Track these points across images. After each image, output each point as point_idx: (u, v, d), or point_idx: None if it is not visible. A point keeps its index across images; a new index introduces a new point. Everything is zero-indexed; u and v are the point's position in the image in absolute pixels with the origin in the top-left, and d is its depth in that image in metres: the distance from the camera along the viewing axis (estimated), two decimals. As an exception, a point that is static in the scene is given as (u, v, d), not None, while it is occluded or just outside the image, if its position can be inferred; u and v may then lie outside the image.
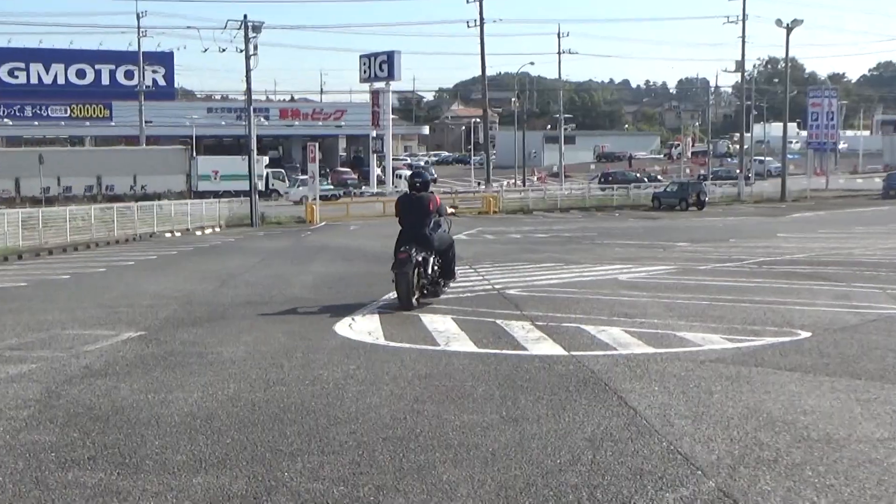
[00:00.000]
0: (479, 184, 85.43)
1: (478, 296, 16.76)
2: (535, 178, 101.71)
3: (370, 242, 35.11)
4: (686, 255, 25.57)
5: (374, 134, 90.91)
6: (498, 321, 13.41)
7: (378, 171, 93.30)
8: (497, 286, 18.21)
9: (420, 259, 15.56)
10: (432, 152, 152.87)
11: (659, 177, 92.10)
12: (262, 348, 11.61)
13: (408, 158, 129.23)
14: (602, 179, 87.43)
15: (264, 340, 12.24)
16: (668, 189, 67.47)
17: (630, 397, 8.54)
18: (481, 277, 19.33)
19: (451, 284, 16.98)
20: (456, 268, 16.88)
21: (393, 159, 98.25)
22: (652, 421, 7.69)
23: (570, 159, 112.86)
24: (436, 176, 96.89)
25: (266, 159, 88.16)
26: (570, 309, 14.68)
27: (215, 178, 76.22)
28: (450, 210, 17.10)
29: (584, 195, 73.44)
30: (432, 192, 16.57)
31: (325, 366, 10.31)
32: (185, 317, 14.93)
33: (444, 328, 12.91)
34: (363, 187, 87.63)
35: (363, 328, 13.10)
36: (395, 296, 16.61)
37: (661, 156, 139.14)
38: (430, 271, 15.89)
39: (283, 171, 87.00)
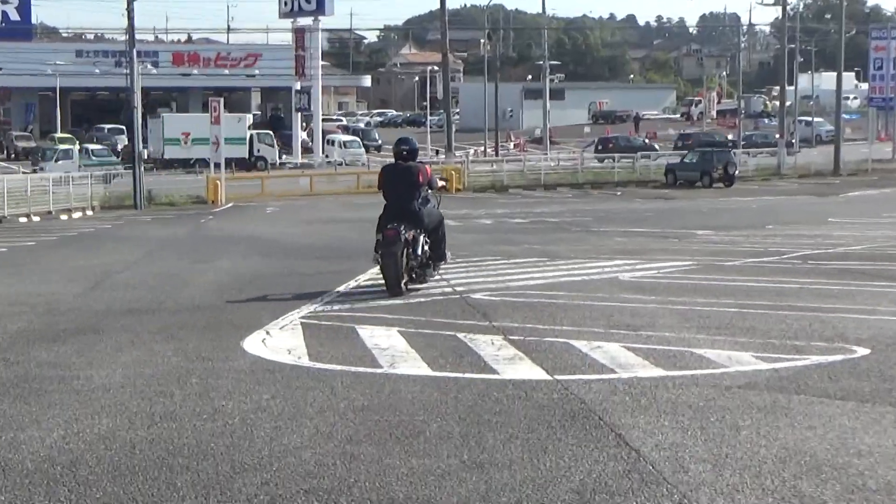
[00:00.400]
0: (436, 152, 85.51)
1: (434, 301, 16.77)
2: (512, 146, 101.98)
3: (293, 230, 35.06)
4: (709, 248, 25.75)
5: (297, 86, 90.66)
6: (459, 335, 13.40)
7: (303, 135, 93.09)
8: (459, 288, 18.24)
9: (410, 238, 17.51)
10: (375, 111, 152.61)
11: (730, 137, 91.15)
12: (145, 371, 11.54)
13: (343, 119, 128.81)
14: (600, 147, 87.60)
15: (149, 361, 12.17)
16: (686, 160, 67.86)
17: (632, 435, 8.58)
18: (439, 276, 19.35)
19: (441, 268, 19.05)
20: (447, 249, 18.95)
21: (323, 120, 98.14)
22: (660, 466, 7.73)
23: (558, 120, 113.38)
24: (380, 142, 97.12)
25: (249, 118, 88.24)
26: (554, 319, 14.73)
27: (185, 143, 78.65)
28: (440, 183, 19.30)
29: (577, 168, 73.78)
30: (421, 162, 18.79)
31: (229, 395, 10.28)
32: (44, 329, 14.80)
33: (388, 344, 12.89)
34: (284, 157, 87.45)
35: (281, 344, 13.06)
36: (326, 299, 16.85)
37: (678, 115, 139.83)
38: (419, 252, 17.83)
39: (271, 133, 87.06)
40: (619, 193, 60.12)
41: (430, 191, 18.35)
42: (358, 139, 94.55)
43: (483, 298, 16.98)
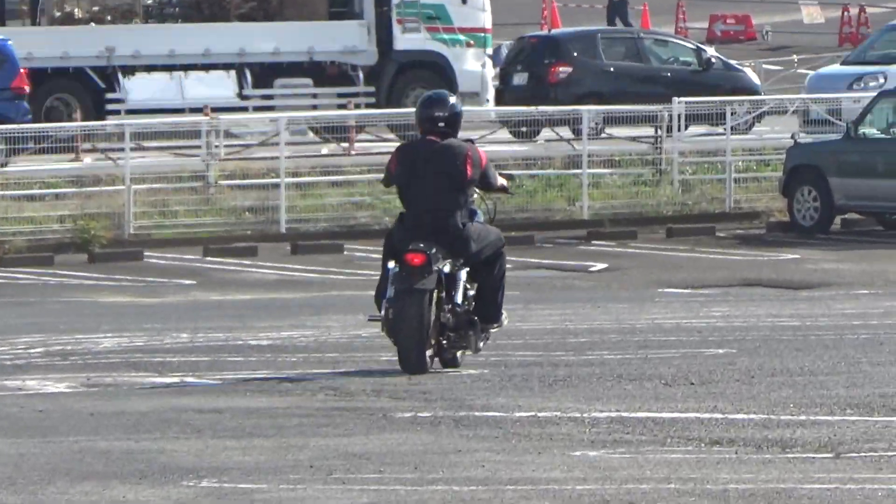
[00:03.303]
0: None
1: None
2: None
3: None
4: None
5: None
6: None
7: None
8: None
9: (445, 273, 10.97)
10: None
11: None
12: None
13: None
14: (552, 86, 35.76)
15: None
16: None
17: None
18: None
19: (494, 331, 11.70)
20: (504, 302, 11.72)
21: None
22: None
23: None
24: None
25: None
26: None
27: None
28: (500, 181, 11.90)
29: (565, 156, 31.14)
30: (471, 141, 12.17)
31: None
32: None
33: None
34: None
35: None
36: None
37: None
38: (460, 300, 11.08)
39: None
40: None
41: (486, 192, 11.80)
42: None
43: None
